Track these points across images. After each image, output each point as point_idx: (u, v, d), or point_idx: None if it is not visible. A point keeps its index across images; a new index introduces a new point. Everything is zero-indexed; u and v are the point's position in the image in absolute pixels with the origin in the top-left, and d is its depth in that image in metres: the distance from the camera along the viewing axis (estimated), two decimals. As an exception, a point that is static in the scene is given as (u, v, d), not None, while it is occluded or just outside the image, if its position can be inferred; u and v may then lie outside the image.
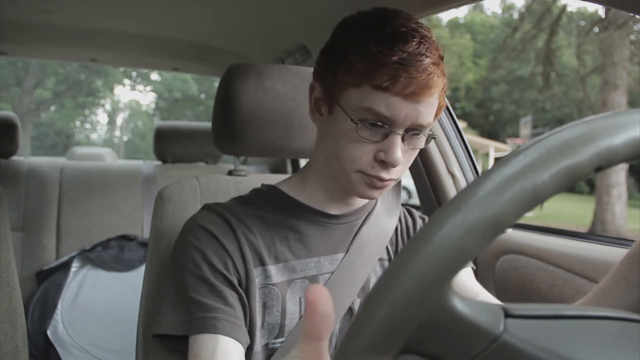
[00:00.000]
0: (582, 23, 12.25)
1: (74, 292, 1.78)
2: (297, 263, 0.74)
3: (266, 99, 0.87)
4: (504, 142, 15.84)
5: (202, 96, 16.65)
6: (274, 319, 0.72)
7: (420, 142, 0.69)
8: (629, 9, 0.74)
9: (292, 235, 0.74)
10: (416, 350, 0.32)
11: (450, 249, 0.28)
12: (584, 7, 13.39)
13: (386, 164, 0.66)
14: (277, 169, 2.47)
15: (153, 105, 18.65)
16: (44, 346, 1.65)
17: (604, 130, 0.31)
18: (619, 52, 8.53)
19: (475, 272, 0.86)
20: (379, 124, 0.64)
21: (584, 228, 9.00)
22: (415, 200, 1.52)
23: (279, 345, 0.72)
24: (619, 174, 8.19)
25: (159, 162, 2.30)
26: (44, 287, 1.79)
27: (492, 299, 0.80)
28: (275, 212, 0.75)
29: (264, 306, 0.71)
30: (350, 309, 0.75)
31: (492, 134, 17.82)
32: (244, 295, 0.69)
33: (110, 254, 1.91)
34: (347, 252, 0.77)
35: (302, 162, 2.36)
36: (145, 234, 2.05)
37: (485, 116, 19.47)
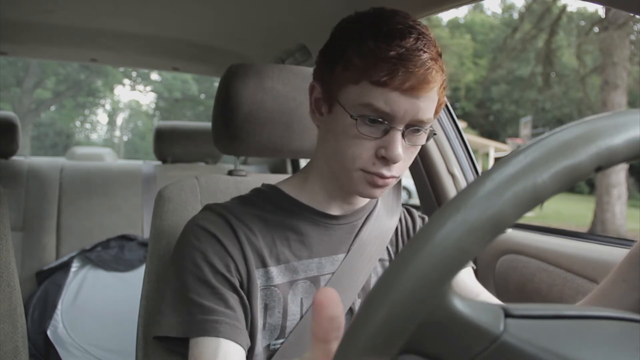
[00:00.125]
0: (582, 23, 12.25)
1: (74, 292, 1.78)
2: (298, 264, 0.73)
3: (266, 99, 0.87)
4: (504, 142, 15.84)
5: (202, 96, 16.65)
6: (275, 321, 0.72)
7: (421, 138, 0.69)
8: (629, 9, 0.74)
9: (293, 236, 0.74)
10: (416, 350, 0.32)
11: (450, 249, 0.28)
12: (584, 7, 13.40)
13: (387, 161, 0.66)
14: (277, 169, 2.48)
15: (153, 105, 18.66)
16: (44, 346, 1.65)
17: (604, 130, 0.31)
18: (619, 52, 8.52)
19: (475, 272, 0.86)
20: (379, 120, 0.64)
21: (584, 228, 9.00)
22: (415, 200, 1.52)
23: (280, 346, 0.72)
24: (619, 174, 8.19)
25: (159, 162, 2.30)
26: (44, 287, 1.79)
27: (493, 300, 0.80)
28: (275, 212, 0.75)
29: (265, 308, 0.71)
30: (350, 310, 0.75)
31: (492, 134, 17.82)
32: (245, 297, 0.69)
33: (110, 254, 1.91)
34: (348, 252, 0.77)
35: (302, 162, 2.36)
36: (145, 234, 2.05)
37: (485, 116, 19.48)
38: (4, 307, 0.84)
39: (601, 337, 0.32)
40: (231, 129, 0.88)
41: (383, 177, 0.67)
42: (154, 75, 16.60)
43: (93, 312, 1.74)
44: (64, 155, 4.53)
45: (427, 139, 0.70)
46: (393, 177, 0.68)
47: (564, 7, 9.73)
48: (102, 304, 1.76)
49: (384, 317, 0.28)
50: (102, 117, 18.90)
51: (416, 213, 0.89)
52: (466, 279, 0.81)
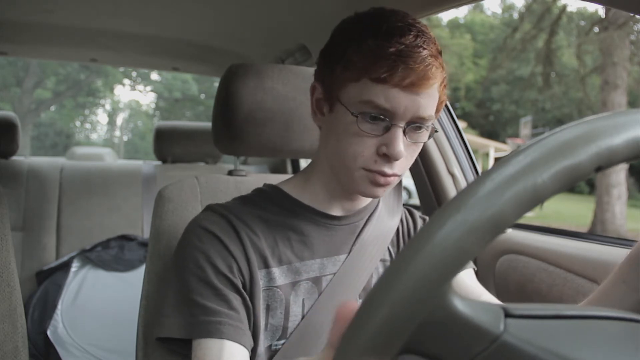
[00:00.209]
0: (582, 23, 12.25)
1: (74, 292, 1.78)
2: (300, 265, 0.73)
3: (266, 99, 0.87)
4: (504, 142, 15.83)
5: (202, 96, 16.64)
6: (277, 321, 0.72)
7: (422, 136, 0.68)
8: (629, 9, 0.74)
9: (294, 236, 0.74)
10: (416, 350, 0.32)
11: (450, 249, 0.28)
12: (584, 7, 13.40)
13: (389, 158, 0.66)
14: (277, 169, 2.48)
15: (153, 105, 18.66)
16: (44, 346, 1.65)
17: (604, 130, 0.31)
18: (619, 52, 8.52)
19: (476, 272, 0.86)
20: (380, 117, 0.64)
21: (584, 228, 9.00)
22: (415, 200, 1.52)
23: (281, 346, 0.72)
24: (619, 174, 8.19)
25: (159, 162, 2.30)
26: (44, 287, 1.79)
27: (494, 301, 0.80)
28: (277, 212, 0.75)
29: (268, 308, 0.71)
30: (351, 310, 0.75)
31: (492, 134, 17.82)
32: (247, 298, 0.69)
33: (110, 254, 1.91)
34: (349, 253, 0.77)
35: (302, 162, 2.36)
36: (145, 234, 2.05)
37: (485, 116, 19.47)
38: (4, 307, 0.84)
39: (601, 337, 0.32)
40: (231, 129, 0.88)
41: (385, 175, 0.67)
42: (154, 75, 16.61)
43: (93, 312, 1.74)
44: (64, 155, 4.53)
45: (429, 137, 0.70)
46: (395, 175, 0.67)
47: (564, 7, 9.74)
48: (102, 304, 1.76)
49: (384, 317, 0.29)
50: (102, 117, 18.92)
51: (417, 213, 0.89)
52: (467, 280, 0.81)
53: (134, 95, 21.23)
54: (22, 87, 14.11)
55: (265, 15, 1.38)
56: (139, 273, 1.84)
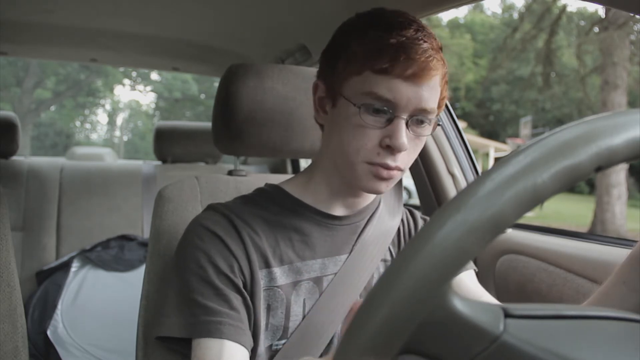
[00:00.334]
0: (582, 23, 12.25)
1: (74, 292, 1.78)
2: (301, 265, 0.73)
3: (266, 99, 0.87)
4: (504, 142, 15.83)
5: (202, 96, 16.64)
6: (278, 321, 0.72)
7: (425, 130, 0.69)
8: (629, 9, 0.74)
9: (296, 236, 0.74)
10: (416, 350, 0.32)
11: (450, 249, 0.28)
12: (584, 7, 13.40)
13: (392, 150, 0.66)
14: (277, 169, 2.48)
15: (153, 105, 18.66)
16: (44, 346, 1.65)
17: (604, 130, 0.31)
18: (619, 52, 8.52)
19: (476, 273, 0.86)
20: (383, 108, 0.65)
21: (584, 228, 9.00)
22: (415, 200, 1.52)
23: (282, 346, 0.72)
24: (619, 174, 8.19)
25: (159, 162, 2.30)
26: (44, 287, 1.79)
27: (495, 302, 0.80)
28: (279, 212, 0.75)
29: (268, 308, 0.71)
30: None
31: (492, 134, 17.82)
32: (248, 298, 0.69)
33: (110, 254, 1.91)
34: (350, 253, 0.77)
35: (302, 162, 2.36)
36: (145, 234, 2.05)
37: (485, 116, 19.47)
38: (4, 307, 0.84)
39: (601, 337, 0.32)
40: (231, 129, 0.88)
41: (388, 167, 0.66)
42: (154, 75, 16.61)
43: (93, 312, 1.74)
44: (64, 155, 4.53)
45: (432, 130, 0.70)
46: (398, 168, 0.67)
47: (564, 7, 9.73)
48: (102, 304, 1.76)
49: (384, 317, 0.29)
50: (102, 117, 18.92)
51: (418, 214, 0.89)
52: (468, 281, 0.81)
53: (134, 95, 21.25)
54: (22, 87, 14.11)
55: (265, 15, 1.38)
56: (139, 273, 1.84)
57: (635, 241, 0.95)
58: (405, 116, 0.65)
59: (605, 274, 0.89)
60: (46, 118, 16.13)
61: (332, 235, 0.76)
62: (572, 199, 13.60)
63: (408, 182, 1.74)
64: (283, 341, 0.72)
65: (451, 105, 1.34)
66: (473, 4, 1.11)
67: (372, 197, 0.80)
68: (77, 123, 17.68)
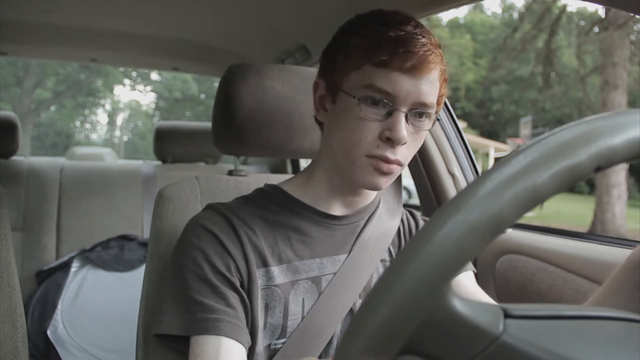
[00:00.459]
0: (582, 23, 12.25)
1: (74, 292, 1.78)
2: (300, 264, 0.74)
3: (266, 99, 0.87)
4: (504, 142, 15.83)
5: (202, 96, 16.64)
6: (276, 320, 0.72)
7: (425, 124, 0.69)
8: (629, 9, 0.74)
9: (295, 236, 0.74)
10: (416, 350, 0.32)
11: (450, 249, 0.28)
12: (584, 7, 13.40)
13: (392, 143, 0.66)
14: (277, 169, 2.48)
15: (153, 105, 18.66)
16: (44, 346, 1.65)
17: (603, 130, 0.31)
18: (619, 52, 8.52)
19: (475, 273, 0.86)
20: (384, 101, 0.65)
21: (584, 228, 9.00)
22: (415, 200, 1.52)
23: (281, 346, 0.72)
24: (619, 174, 8.19)
25: (159, 162, 2.30)
26: (44, 287, 1.79)
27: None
28: (278, 212, 0.75)
29: (266, 307, 0.71)
30: (351, 310, 0.75)
31: (492, 134, 17.82)
32: (245, 296, 0.69)
33: (110, 254, 1.91)
34: (349, 253, 0.77)
35: (302, 162, 2.36)
36: (145, 234, 2.05)
37: (485, 116, 19.47)
38: (4, 307, 0.84)
39: (601, 337, 0.32)
40: (231, 129, 0.88)
41: (387, 161, 0.67)
42: (154, 75, 16.62)
43: (93, 312, 1.74)
44: (64, 155, 4.53)
45: (432, 125, 0.71)
46: (397, 162, 0.68)
47: (564, 7, 9.73)
48: (102, 304, 1.76)
49: (384, 317, 0.29)
50: (102, 117, 18.92)
51: (419, 215, 0.89)
52: (467, 282, 0.81)
53: (134, 95, 21.24)
54: (22, 87, 14.11)
55: (265, 15, 1.38)
56: (139, 273, 1.84)
57: (636, 241, 0.95)
58: (404, 109, 0.66)
59: (605, 274, 0.89)
60: (46, 118, 16.13)
61: (331, 235, 0.76)
62: (572, 199, 13.60)
63: (408, 182, 1.75)
64: (282, 340, 0.72)
65: (451, 105, 1.34)
66: (473, 4, 1.11)
67: (371, 197, 0.80)
68: (77, 123, 17.69)
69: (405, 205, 0.92)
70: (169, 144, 2.25)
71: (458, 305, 0.31)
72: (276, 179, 0.84)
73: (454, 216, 0.29)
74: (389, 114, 0.66)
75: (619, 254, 0.92)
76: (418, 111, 0.67)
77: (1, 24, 1.49)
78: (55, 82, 15.16)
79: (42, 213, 1.94)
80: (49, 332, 1.65)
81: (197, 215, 0.74)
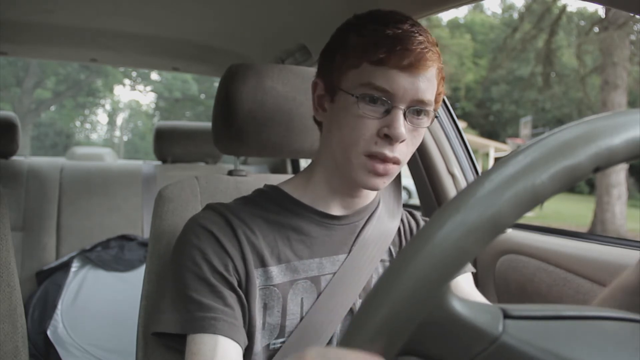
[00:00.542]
0: (582, 23, 12.25)
1: (74, 292, 1.78)
2: (299, 264, 0.74)
3: (266, 99, 0.87)
4: (504, 142, 15.83)
5: (202, 96, 16.64)
6: (275, 320, 0.72)
7: (423, 122, 0.70)
8: (629, 9, 0.74)
9: (294, 235, 0.74)
10: (416, 350, 0.32)
11: (450, 249, 0.28)
12: (584, 7, 13.39)
13: (390, 140, 0.66)
14: (277, 169, 2.48)
15: (153, 105, 18.65)
16: (44, 346, 1.65)
17: (603, 130, 0.31)
18: (619, 52, 8.52)
19: (475, 273, 0.86)
20: (382, 98, 0.66)
21: (584, 228, 9.00)
22: (415, 200, 1.52)
23: (280, 345, 0.72)
24: (619, 174, 8.19)
25: (159, 162, 2.30)
26: (44, 287, 1.79)
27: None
28: (278, 212, 0.75)
29: (265, 307, 0.71)
30: (351, 310, 0.75)
31: (492, 134, 17.81)
32: (243, 296, 0.69)
33: (110, 254, 1.91)
34: (349, 253, 0.77)
35: (302, 162, 2.36)
36: (145, 234, 2.05)
37: (485, 116, 19.47)
38: (4, 307, 0.84)
39: (601, 338, 0.32)
40: (231, 129, 0.88)
41: (385, 158, 0.67)
42: (154, 75, 16.61)
43: (93, 312, 1.74)
44: (64, 155, 4.53)
45: (430, 123, 0.71)
46: (395, 160, 0.68)
47: (564, 7, 9.73)
48: (102, 304, 1.76)
49: (384, 317, 0.29)
50: (102, 117, 18.92)
51: (419, 215, 0.89)
52: (465, 285, 0.81)
53: (134, 95, 21.24)
54: (22, 87, 14.11)
55: (265, 15, 1.38)
56: (139, 273, 1.84)
57: (636, 241, 0.95)
58: (402, 106, 0.66)
59: (605, 274, 0.89)
60: (46, 118, 16.13)
61: (331, 235, 0.76)
62: (572, 199, 13.60)
63: (408, 182, 1.74)
64: (280, 340, 0.72)
65: (451, 105, 1.34)
66: (473, 4, 1.11)
67: (371, 197, 0.80)
68: (77, 123, 17.69)
69: (405, 205, 0.91)
70: (169, 144, 2.25)
71: (458, 305, 0.31)
72: (276, 179, 0.84)
73: (454, 216, 0.29)
74: (387, 112, 0.66)
75: (619, 254, 0.92)
76: (416, 109, 0.67)
77: (1, 24, 1.48)
78: (55, 82, 15.16)
79: (42, 213, 1.94)
80: (49, 332, 1.65)
81: (196, 215, 0.75)
